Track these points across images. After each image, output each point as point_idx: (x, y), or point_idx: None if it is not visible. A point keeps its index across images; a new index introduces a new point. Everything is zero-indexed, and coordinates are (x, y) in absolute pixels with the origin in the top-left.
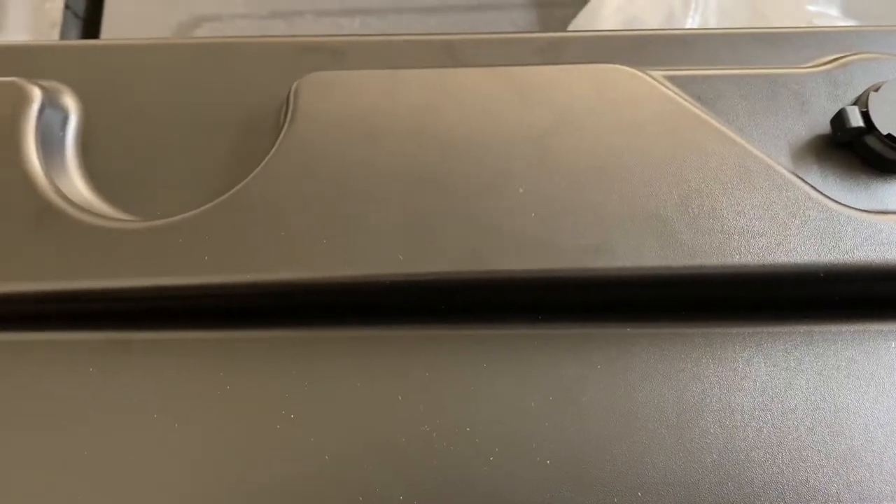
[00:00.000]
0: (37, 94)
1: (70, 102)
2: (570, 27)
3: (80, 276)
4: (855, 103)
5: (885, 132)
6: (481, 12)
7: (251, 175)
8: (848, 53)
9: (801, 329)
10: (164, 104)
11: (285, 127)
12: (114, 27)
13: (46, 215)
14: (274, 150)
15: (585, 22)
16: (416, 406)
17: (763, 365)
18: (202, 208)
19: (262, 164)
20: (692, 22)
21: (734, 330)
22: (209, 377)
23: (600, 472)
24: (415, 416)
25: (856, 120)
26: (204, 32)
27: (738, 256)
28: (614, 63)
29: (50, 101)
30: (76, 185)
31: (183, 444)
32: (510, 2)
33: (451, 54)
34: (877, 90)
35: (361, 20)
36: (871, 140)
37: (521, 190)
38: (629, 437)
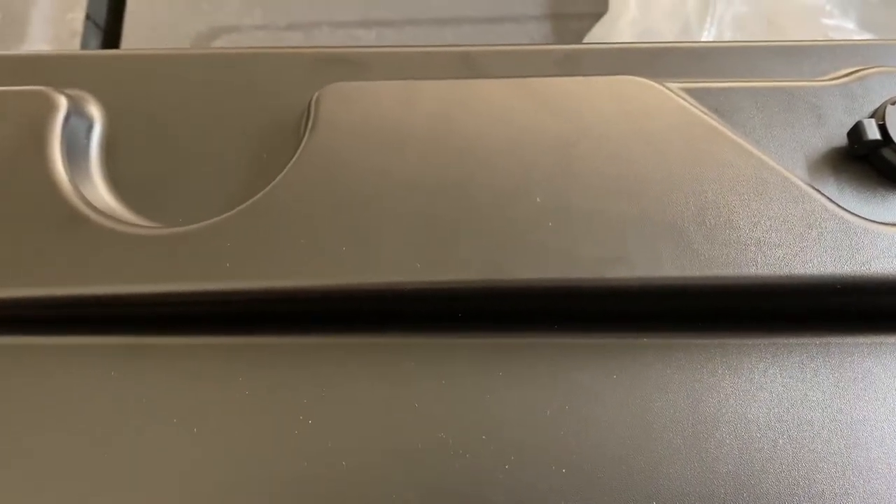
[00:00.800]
0: (63, 103)
1: (94, 111)
2: (586, 39)
3: (104, 282)
4: (872, 116)
5: None
6: (497, 24)
7: (273, 183)
8: (865, 67)
9: (818, 341)
10: (186, 113)
11: (306, 136)
12: (134, 38)
13: (71, 221)
14: (295, 158)
15: (601, 34)
16: (433, 413)
17: (779, 376)
18: (224, 215)
19: (284, 172)
20: (707, 35)
21: (750, 341)
22: (229, 382)
23: (615, 481)
24: (431, 423)
25: (872, 133)
26: (222, 43)
27: (754, 268)
28: (632, 75)
29: (75, 110)
30: (100, 191)
31: (202, 448)
32: (525, 14)
33: (468, 65)
34: (894, 103)
35: (378, 31)
36: (887, 153)
37: (538, 200)
38: (644, 447)
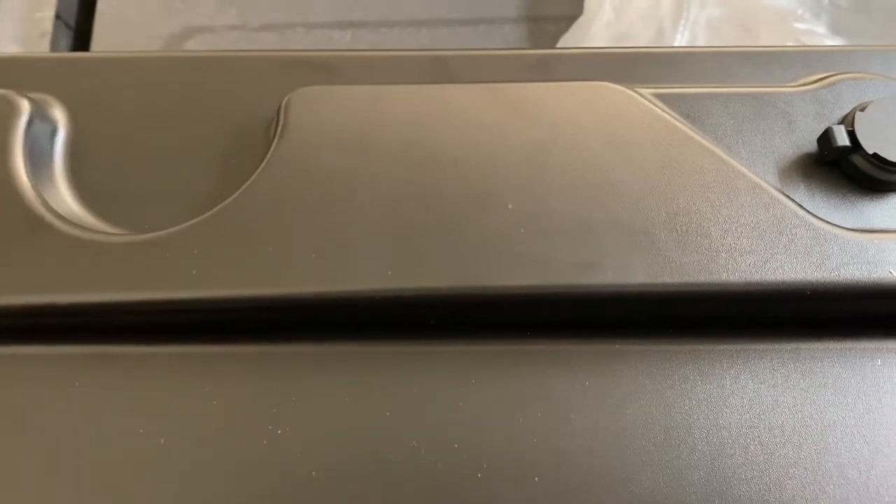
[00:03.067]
0: (25, 106)
1: (58, 115)
2: (561, 43)
3: (67, 290)
4: (841, 122)
5: (870, 151)
6: (472, 26)
7: (240, 189)
8: (835, 73)
9: (788, 346)
10: (154, 117)
11: (275, 141)
12: (105, 37)
13: (33, 228)
14: (263, 164)
15: (576, 38)
16: (404, 422)
17: (750, 382)
18: (190, 222)
19: (252, 178)
20: (681, 38)
21: (721, 347)
22: (196, 392)
23: (588, 489)
24: (402, 432)
25: (842, 139)
26: (195, 44)
27: (725, 274)
28: (603, 80)
29: (38, 114)
30: (64, 197)
31: (169, 459)
32: (501, 16)
33: (441, 70)
34: (863, 110)
35: (353, 33)
36: (857, 159)
37: (509, 206)
38: (617, 454)
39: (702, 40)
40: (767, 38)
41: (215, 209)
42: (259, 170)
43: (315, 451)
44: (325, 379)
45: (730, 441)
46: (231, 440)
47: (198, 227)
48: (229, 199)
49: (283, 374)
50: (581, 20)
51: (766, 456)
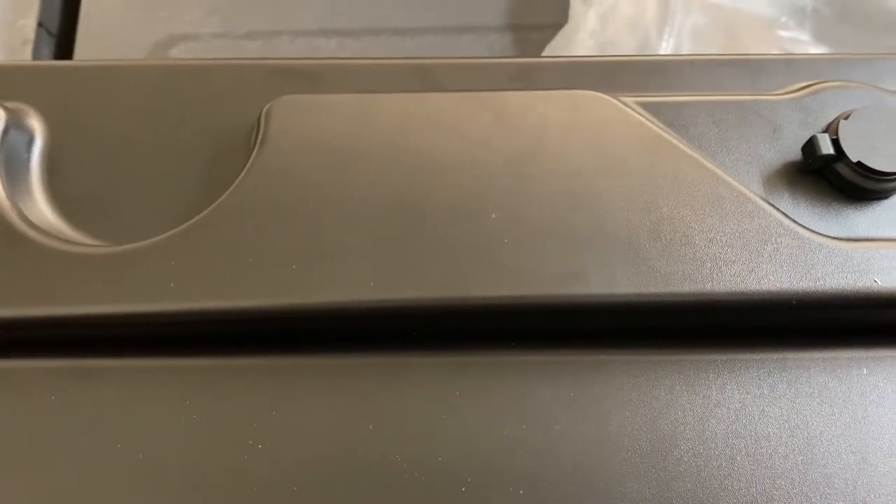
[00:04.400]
0: (1, 116)
1: (35, 124)
2: (546, 51)
3: (43, 303)
4: (825, 130)
5: (854, 160)
6: (458, 35)
7: (219, 199)
8: (819, 81)
9: (774, 356)
10: (134, 126)
11: (255, 150)
12: (88, 45)
13: (9, 240)
14: (243, 174)
15: (561, 45)
16: (388, 435)
17: (736, 392)
18: (168, 234)
19: (231, 188)
20: (666, 45)
21: (707, 357)
22: (175, 406)
23: (574, 501)
24: (385, 445)
25: (826, 147)
26: (179, 52)
27: (709, 284)
28: (587, 89)
29: (14, 123)
30: (40, 209)
31: (147, 474)
32: (487, 25)
33: (425, 78)
34: (847, 118)
35: (338, 41)
36: (841, 167)
37: (494, 216)
38: (603, 465)
39: (687, 48)
40: (752, 46)
41: (193, 220)
42: (238, 180)
43: (296, 466)
44: (306, 392)
45: (716, 452)
46: (211, 455)
47: (176, 238)
48: (207, 210)
49: (264, 387)
50: (566, 29)
51: (752, 467)
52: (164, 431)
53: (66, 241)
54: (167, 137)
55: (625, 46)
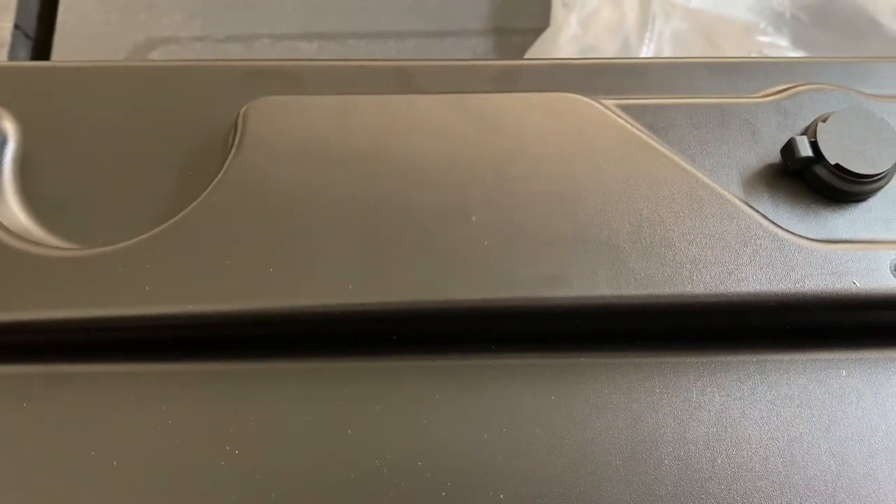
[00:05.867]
0: None
1: (8, 125)
2: (527, 55)
3: (15, 307)
4: (804, 133)
5: (833, 162)
6: (440, 38)
7: (195, 201)
8: (797, 84)
9: (755, 359)
10: (110, 128)
11: (233, 152)
12: (65, 49)
13: None
14: (220, 175)
15: (542, 50)
16: (366, 440)
17: (717, 395)
18: (142, 236)
19: (207, 190)
20: (647, 50)
21: (688, 359)
22: (150, 412)
23: None
24: (365, 451)
25: (805, 150)
26: (159, 55)
27: (689, 286)
28: (568, 91)
29: None
30: (13, 211)
31: (122, 482)
32: (469, 29)
33: (405, 81)
34: (825, 120)
35: (319, 44)
36: (819, 170)
37: (473, 218)
38: (584, 469)
39: (667, 53)
40: (731, 51)
41: (168, 223)
42: (214, 182)
43: (274, 472)
44: (284, 397)
45: (697, 455)
46: (187, 461)
47: (150, 241)
48: (183, 213)
49: (241, 392)
50: (547, 33)
51: (733, 469)
52: (138, 438)
53: (39, 244)
54: (143, 139)
55: (605, 51)
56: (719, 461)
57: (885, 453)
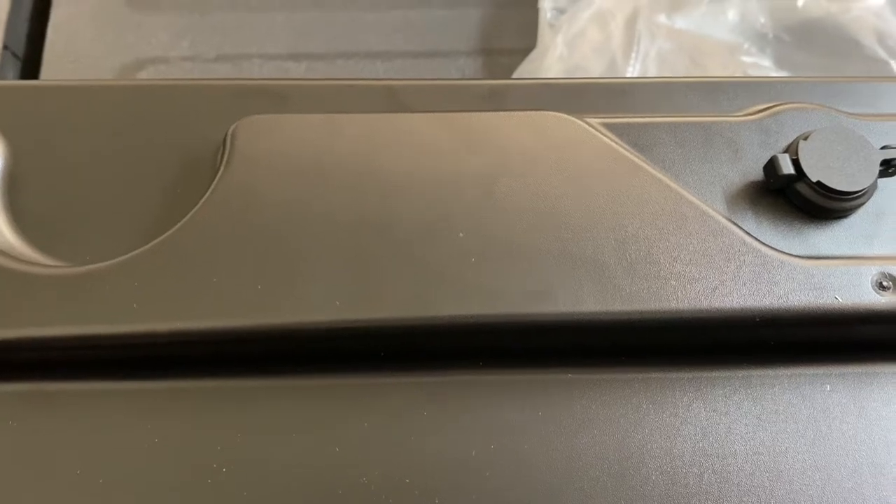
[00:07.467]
0: None
1: None
2: (514, 75)
3: (3, 325)
4: (786, 151)
5: (814, 179)
6: (429, 59)
7: (184, 219)
8: (779, 103)
9: (740, 374)
10: (99, 146)
11: (220, 170)
12: (54, 69)
13: None
14: (208, 193)
15: (530, 70)
16: (355, 457)
17: (703, 410)
18: (130, 254)
19: (196, 208)
20: (632, 70)
21: (674, 375)
22: (137, 429)
23: None
24: (353, 467)
25: (787, 167)
26: (148, 75)
27: (674, 302)
28: (554, 110)
29: None
30: (1, 229)
31: (108, 500)
32: (457, 49)
33: (393, 99)
34: (806, 139)
35: (308, 65)
36: (801, 187)
37: (460, 235)
38: (571, 485)
39: (653, 73)
40: (716, 71)
41: (156, 241)
42: (203, 199)
43: (261, 490)
44: (271, 414)
45: (683, 470)
46: (173, 479)
47: (138, 258)
48: (171, 231)
49: (228, 409)
50: (534, 53)
51: (719, 485)
52: (125, 456)
53: (27, 261)
54: (132, 158)
55: (592, 71)
56: (706, 477)
57: (870, 467)
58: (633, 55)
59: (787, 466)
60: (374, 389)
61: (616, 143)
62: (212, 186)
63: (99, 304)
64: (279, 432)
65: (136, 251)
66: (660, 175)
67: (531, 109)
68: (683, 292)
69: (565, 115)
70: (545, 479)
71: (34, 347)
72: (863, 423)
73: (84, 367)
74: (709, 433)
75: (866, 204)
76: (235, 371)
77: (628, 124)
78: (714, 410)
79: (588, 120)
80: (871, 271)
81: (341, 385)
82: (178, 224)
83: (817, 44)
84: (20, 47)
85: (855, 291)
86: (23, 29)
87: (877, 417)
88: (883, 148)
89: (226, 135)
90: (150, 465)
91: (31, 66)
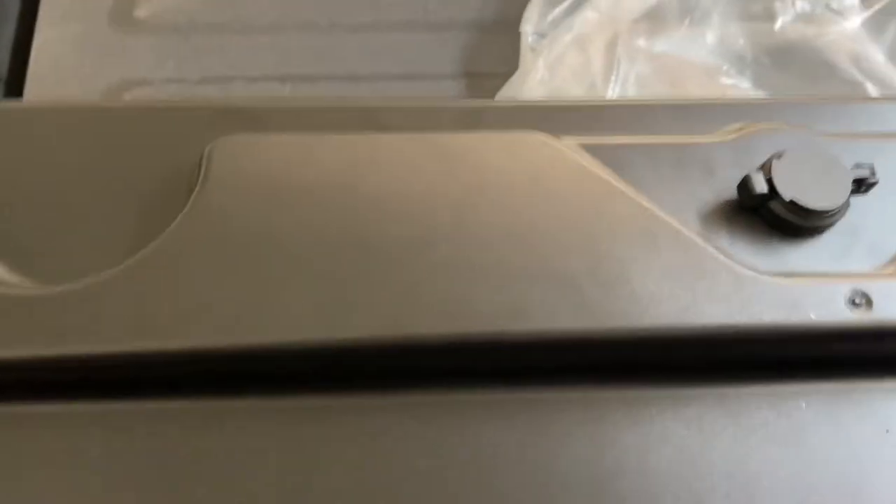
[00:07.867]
0: None
1: None
2: (496, 98)
3: None
4: (760, 170)
5: (787, 198)
6: (412, 81)
7: (157, 240)
8: (751, 124)
9: (716, 392)
10: (73, 167)
11: (196, 190)
12: (38, 89)
13: None
14: (183, 213)
15: (511, 93)
16: (328, 480)
17: (679, 428)
18: (103, 275)
19: (169, 228)
20: (612, 93)
21: (649, 393)
22: (114, 452)
23: None
24: (326, 491)
25: (760, 186)
26: (132, 96)
27: (648, 320)
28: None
29: None
30: None
31: None
32: (440, 72)
33: (370, 120)
34: (779, 158)
35: (293, 86)
36: (775, 205)
37: (437, 254)
38: (547, 502)
39: (632, 96)
40: (695, 93)
41: (129, 261)
42: (177, 220)
43: None
44: (246, 434)
45: (660, 489)
46: (148, 500)
47: (112, 279)
48: (144, 251)
49: (198, 431)
50: (515, 76)
51: (696, 502)
52: (102, 479)
53: (1, 282)
54: (109, 178)
55: (572, 94)
56: (683, 496)
57: (846, 484)
58: (613, 78)
59: (764, 485)
60: (348, 410)
61: (591, 163)
62: (187, 207)
63: (72, 325)
64: (251, 455)
65: (108, 272)
66: (634, 195)
67: (508, 130)
68: (657, 310)
69: (541, 136)
70: (522, 497)
71: (6, 369)
72: (839, 438)
73: (55, 389)
74: (685, 451)
75: (839, 222)
76: (209, 392)
77: (603, 145)
78: (689, 428)
79: (564, 140)
80: (845, 288)
81: (315, 406)
82: (151, 244)
83: (796, 66)
84: (4, 67)
85: (828, 308)
86: (6, 50)
87: (852, 433)
88: (855, 167)
89: (201, 155)
90: (128, 489)
91: (14, 86)
